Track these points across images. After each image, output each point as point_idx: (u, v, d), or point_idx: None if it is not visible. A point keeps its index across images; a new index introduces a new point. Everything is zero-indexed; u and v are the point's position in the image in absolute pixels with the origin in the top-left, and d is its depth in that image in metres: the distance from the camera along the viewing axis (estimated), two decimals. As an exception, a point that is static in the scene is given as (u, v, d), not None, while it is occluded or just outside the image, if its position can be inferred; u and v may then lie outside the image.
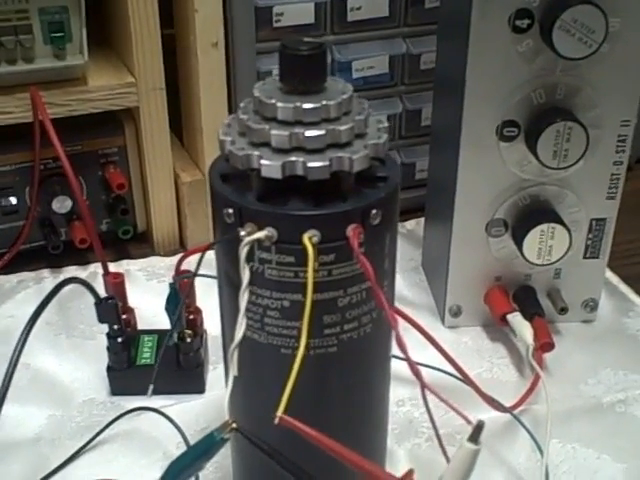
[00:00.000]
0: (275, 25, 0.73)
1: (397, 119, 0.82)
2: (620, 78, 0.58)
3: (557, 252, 0.62)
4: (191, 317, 0.60)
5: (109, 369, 0.60)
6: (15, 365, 0.47)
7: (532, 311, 0.64)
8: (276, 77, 0.38)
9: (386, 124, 0.38)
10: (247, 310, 0.37)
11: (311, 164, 0.35)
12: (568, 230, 0.62)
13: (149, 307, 0.66)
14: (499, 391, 0.56)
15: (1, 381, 0.46)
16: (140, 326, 0.64)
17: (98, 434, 0.56)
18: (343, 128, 0.36)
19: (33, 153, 0.70)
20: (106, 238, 0.74)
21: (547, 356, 0.62)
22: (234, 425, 0.35)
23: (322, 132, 0.35)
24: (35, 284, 0.73)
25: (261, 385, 0.40)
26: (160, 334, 0.62)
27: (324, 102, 0.36)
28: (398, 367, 0.43)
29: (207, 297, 0.55)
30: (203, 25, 0.71)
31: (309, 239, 0.35)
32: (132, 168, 0.77)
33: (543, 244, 0.62)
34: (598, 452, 0.56)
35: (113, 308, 0.58)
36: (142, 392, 0.50)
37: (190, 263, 0.52)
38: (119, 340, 0.59)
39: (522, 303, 0.65)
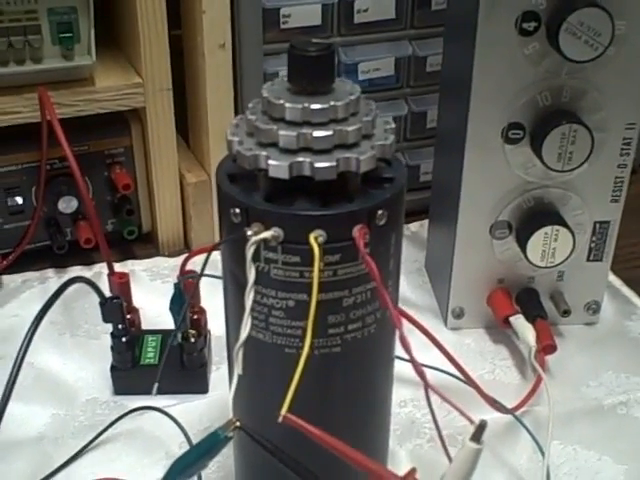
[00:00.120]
0: (282, 27, 0.73)
1: (402, 121, 0.82)
2: (626, 81, 0.58)
3: (561, 255, 0.62)
4: (195, 317, 0.60)
5: (113, 369, 0.60)
6: (20, 364, 0.47)
7: (535, 313, 0.64)
8: (284, 78, 0.38)
9: (393, 125, 0.39)
10: (252, 310, 0.37)
11: (318, 164, 0.35)
12: (572, 233, 0.62)
13: (153, 307, 0.66)
14: (501, 393, 0.57)
15: (6, 380, 0.47)
16: (144, 326, 0.64)
17: (101, 433, 0.56)
18: (350, 129, 0.36)
19: (39, 153, 0.70)
20: (111, 238, 0.74)
21: (549, 358, 0.62)
22: (238, 423, 0.35)
23: (330, 133, 0.36)
24: (40, 284, 0.73)
25: (265, 384, 0.41)
26: (164, 334, 0.62)
27: (332, 103, 0.36)
28: (400, 368, 0.43)
29: (211, 297, 0.56)
30: (210, 26, 0.71)
31: (315, 239, 0.35)
32: (138, 169, 0.77)
33: (547, 246, 0.62)
34: (599, 454, 0.56)
35: (118, 308, 0.58)
36: (145, 392, 0.50)
37: (194, 264, 0.53)
38: (123, 340, 0.59)
39: (525, 305, 0.65)
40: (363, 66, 0.78)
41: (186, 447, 0.54)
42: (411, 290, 0.73)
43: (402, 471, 0.34)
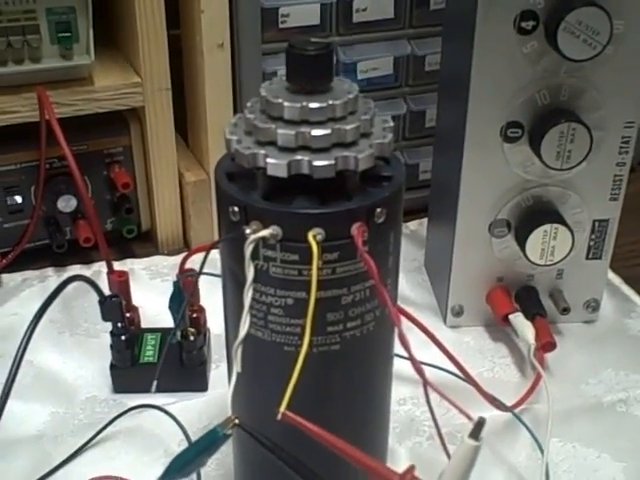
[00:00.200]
0: (281, 26, 0.73)
1: (401, 120, 0.82)
2: (624, 80, 0.58)
3: (560, 253, 0.62)
4: (194, 315, 0.60)
5: (112, 367, 0.60)
6: (19, 362, 0.47)
7: (534, 311, 0.64)
8: (283, 77, 0.38)
9: (391, 124, 0.39)
10: (251, 307, 0.37)
11: (317, 163, 0.35)
12: (571, 231, 0.62)
13: (152, 306, 0.66)
14: (500, 390, 0.57)
15: (5, 378, 0.47)
16: (143, 325, 0.64)
17: (100, 431, 0.56)
18: (349, 127, 0.36)
19: (39, 152, 0.70)
20: (110, 237, 0.74)
21: (548, 356, 0.62)
22: (237, 421, 0.35)
23: (328, 131, 0.36)
24: (39, 282, 0.73)
25: (264, 382, 0.41)
26: (163, 333, 0.62)
27: (330, 102, 0.36)
28: (399, 366, 0.43)
29: (210, 296, 0.56)
30: (209, 26, 0.71)
31: (314, 237, 0.35)
32: (137, 168, 0.77)
33: (546, 245, 0.62)
34: (598, 451, 0.56)
35: (117, 306, 0.58)
36: (145, 390, 0.50)
37: (194, 262, 0.53)
38: (122, 338, 0.59)
39: (524, 303, 0.65)
40: (362, 65, 0.78)
41: (185, 445, 0.54)
42: (410, 288, 0.73)
43: (401, 469, 0.34)
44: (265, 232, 0.36)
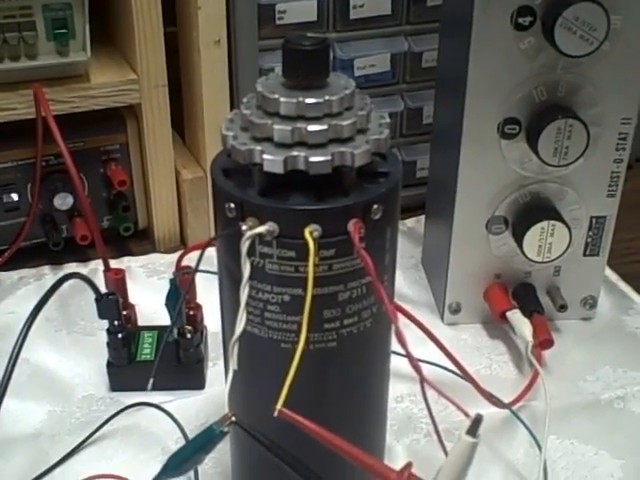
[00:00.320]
0: (278, 23, 0.73)
1: (398, 117, 0.82)
2: (621, 76, 0.58)
3: (557, 249, 0.62)
4: (191, 313, 0.60)
5: (109, 365, 0.60)
6: (15, 361, 0.47)
7: (531, 308, 0.64)
8: (279, 73, 0.38)
9: (388, 120, 0.38)
10: (247, 304, 0.37)
11: (313, 159, 0.35)
12: (568, 227, 0.62)
13: (149, 304, 0.66)
14: (498, 387, 0.57)
15: (1, 376, 0.47)
16: (140, 322, 0.64)
17: (98, 429, 0.56)
18: (345, 123, 0.36)
19: (35, 150, 0.70)
20: (107, 235, 0.74)
21: (546, 353, 0.62)
22: (233, 418, 0.35)
23: (324, 127, 0.35)
24: (36, 280, 0.73)
25: (261, 379, 0.40)
26: (160, 330, 0.62)
27: (326, 97, 0.36)
28: (397, 363, 0.43)
29: (207, 293, 0.56)
30: (206, 22, 0.71)
31: (310, 234, 0.35)
32: (134, 165, 0.77)
33: (543, 241, 0.62)
34: (596, 448, 0.56)
35: (114, 304, 0.58)
36: (142, 388, 0.50)
37: (191, 260, 0.53)
38: (119, 336, 0.59)
39: (521, 300, 0.65)
40: (359, 62, 0.78)
41: (182, 443, 0.54)
42: (408, 286, 0.73)
43: (399, 466, 0.34)
44: (261, 228, 0.36)
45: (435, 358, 0.53)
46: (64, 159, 0.63)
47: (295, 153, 0.35)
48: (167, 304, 0.56)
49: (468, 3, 0.56)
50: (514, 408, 0.58)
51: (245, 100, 0.38)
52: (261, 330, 0.39)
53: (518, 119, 0.59)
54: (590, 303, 0.68)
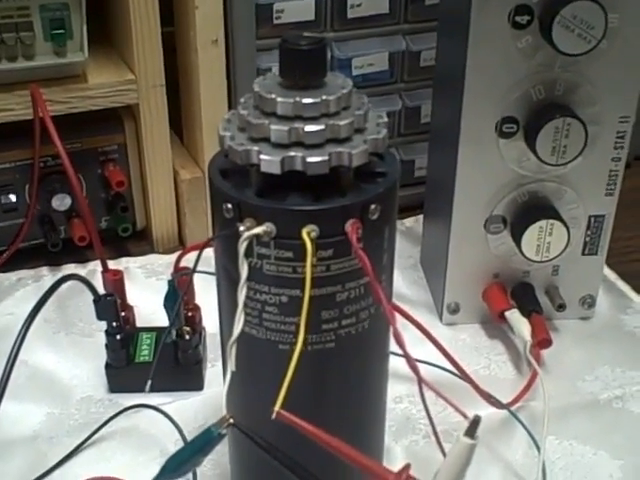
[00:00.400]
0: (275, 22, 0.73)
1: (396, 116, 0.82)
2: (619, 74, 0.58)
3: (555, 249, 0.62)
4: (190, 314, 0.60)
5: (107, 366, 0.60)
6: (14, 362, 0.47)
7: (530, 308, 0.64)
8: (276, 72, 0.38)
9: (385, 119, 0.38)
10: (245, 305, 0.37)
11: (310, 159, 0.35)
12: (567, 227, 0.62)
13: (148, 305, 0.66)
14: (496, 388, 0.57)
15: (-1, 378, 0.47)
16: (139, 324, 0.64)
17: (96, 431, 0.56)
18: (342, 123, 0.36)
19: (33, 150, 0.70)
20: (105, 236, 0.74)
21: (545, 353, 0.62)
22: (231, 420, 0.35)
23: (321, 127, 0.35)
24: (34, 282, 0.73)
25: (259, 380, 0.40)
26: (159, 332, 0.62)
27: (324, 97, 0.36)
28: (396, 364, 0.43)
29: (206, 294, 0.55)
30: (203, 22, 0.71)
31: (308, 234, 0.35)
32: (132, 166, 0.77)
33: (541, 241, 0.62)
34: (595, 448, 0.56)
35: (112, 305, 0.58)
36: (140, 389, 0.50)
37: (189, 260, 0.53)
38: (118, 337, 0.59)
39: (520, 300, 0.65)
40: (357, 61, 0.78)
41: (181, 445, 0.54)
42: (406, 286, 0.73)
43: (397, 467, 0.34)
44: (259, 229, 0.35)
45: (433, 358, 0.53)
46: (62, 160, 0.63)
47: (292, 153, 0.35)
48: (165, 305, 0.56)
49: (466, 2, 0.56)
50: (513, 408, 0.57)
51: (242, 100, 0.38)
52: (259, 331, 0.39)
53: (516, 118, 0.59)
54: (588, 302, 0.68)
